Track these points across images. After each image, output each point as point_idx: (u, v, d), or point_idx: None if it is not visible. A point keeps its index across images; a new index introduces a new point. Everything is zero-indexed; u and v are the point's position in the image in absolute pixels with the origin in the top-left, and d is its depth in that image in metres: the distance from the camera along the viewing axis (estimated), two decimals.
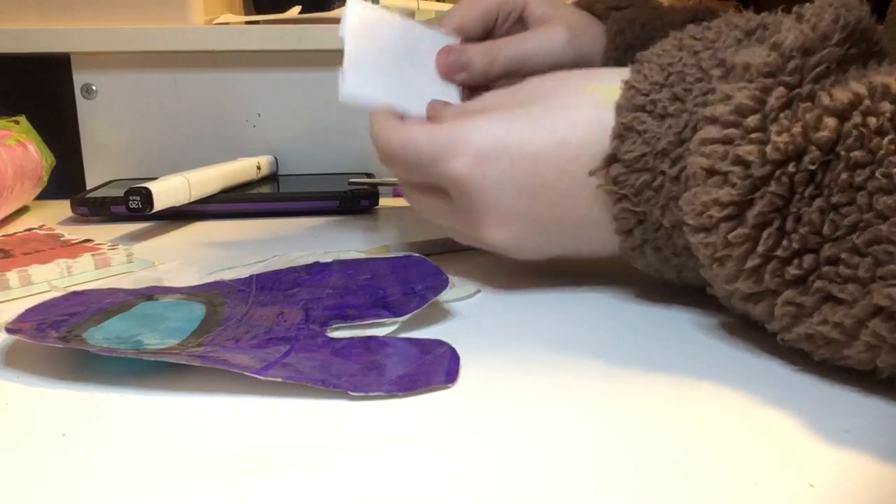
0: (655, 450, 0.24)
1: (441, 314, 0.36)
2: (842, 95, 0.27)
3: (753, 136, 0.28)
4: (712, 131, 0.30)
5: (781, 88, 0.29)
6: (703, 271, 0.32)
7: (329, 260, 0.40)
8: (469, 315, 0.36)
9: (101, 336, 0.30)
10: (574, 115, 0.36)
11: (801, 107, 0.28)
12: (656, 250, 0.35)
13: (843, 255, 0.27)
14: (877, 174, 0.26)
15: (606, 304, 0.37)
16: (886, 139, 0.26)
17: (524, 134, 0.36)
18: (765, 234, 0.28)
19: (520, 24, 0.47)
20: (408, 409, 0.27)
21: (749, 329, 0.32)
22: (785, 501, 0.21)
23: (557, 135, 0.35)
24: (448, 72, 0.44)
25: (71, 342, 0.30)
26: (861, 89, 0.27)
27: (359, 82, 0.42)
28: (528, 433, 0.25)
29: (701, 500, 0.22)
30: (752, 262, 0.29)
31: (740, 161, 0.28)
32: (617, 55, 0.46)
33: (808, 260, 0.28)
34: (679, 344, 0.32)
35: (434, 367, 0.29)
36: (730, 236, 0.29)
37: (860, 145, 0.26)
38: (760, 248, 0.28)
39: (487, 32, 0.47)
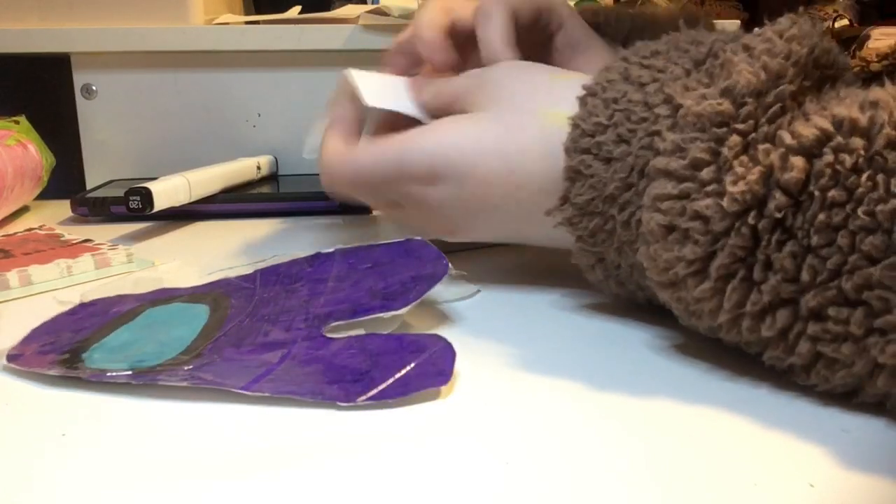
0: (655, 449, 0.24)
1: (441, 314, 0.36)
2: (806, 132, 0.26)
3: (709, 188, 0.27)
4: (667, 186, 0.28)
5: (735, 137, 0.27)
6: (680, 321, 0.31)
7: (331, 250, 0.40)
8: (469, 315, 0.36)
9: (99, 355, 0.30)
10: (523, 140, 0.35)
11: (761, 149, 0.26)
12: (620, 284, 0.35)
13: (831, 310, 0.25)
14: (858, 213, 0.24)
15: (608, 301, 0.37)
16: (864, 176, 0.24)
17: (476, 158, 0.35)
18: (729, 287, 0.27)
19: (547, 34, 0.44)
20: (407, 409, 0.27)
21: None
22: (785, 501, 0.21)
23: (506, 162, 0.35)
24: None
25: (69, 368, 0.29)
26: (825, 124, 0.25)
27: (376, 90, 0.41)
28: (528, 434, 0.25)
29: (701, 500, 0.22)
30: (723, 317, 0.28)
31: (699, 216, 0.27)
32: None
33: (782, 316, 0.26)
34: (680, 342, 0.32)
35: (427, 369, 0.29)
36: (695, 293, 0.28)
37: (835, 184, 0.25)
38: (727, 304, 0.27)
39: (525, 27, 0.44)
